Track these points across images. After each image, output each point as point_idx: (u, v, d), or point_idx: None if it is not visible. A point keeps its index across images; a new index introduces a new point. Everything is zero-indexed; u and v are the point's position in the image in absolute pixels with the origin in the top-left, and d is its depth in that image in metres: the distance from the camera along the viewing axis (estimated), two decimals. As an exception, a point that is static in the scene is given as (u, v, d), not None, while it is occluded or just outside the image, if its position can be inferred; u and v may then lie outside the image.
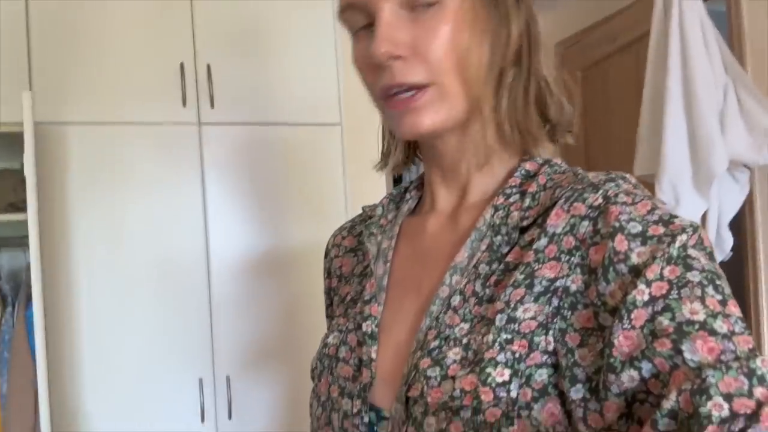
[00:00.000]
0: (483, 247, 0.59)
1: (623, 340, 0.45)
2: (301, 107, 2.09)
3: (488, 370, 0.50)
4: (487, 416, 0.49)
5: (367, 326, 0.63)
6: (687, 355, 0.43)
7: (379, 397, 0.59)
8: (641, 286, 0.46)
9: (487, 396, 0.49)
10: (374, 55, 0.55)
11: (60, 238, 1.83)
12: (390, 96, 0.58)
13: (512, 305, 0.52)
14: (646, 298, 0.46)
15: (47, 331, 1.80)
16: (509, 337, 0.51)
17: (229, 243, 2.00)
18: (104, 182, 1.88)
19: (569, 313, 0.50)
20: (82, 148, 1.86)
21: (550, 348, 0.50)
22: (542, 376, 0.49)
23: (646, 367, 0.44)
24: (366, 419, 0.59)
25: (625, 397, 0.45)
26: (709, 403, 0.39)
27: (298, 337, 2.01)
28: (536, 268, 0.53)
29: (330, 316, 0.79)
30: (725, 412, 0.38)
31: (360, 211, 0.79)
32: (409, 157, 0.72)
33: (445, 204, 0.67)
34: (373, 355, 0.61)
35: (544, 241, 0.54)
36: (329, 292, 0.79)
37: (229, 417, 1.96)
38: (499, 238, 0.58)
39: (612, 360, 0.45)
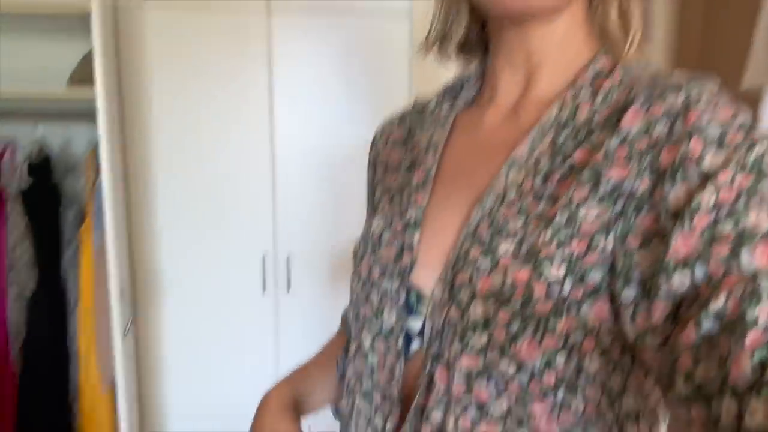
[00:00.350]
0: (546, 143, 0.56)
1: (680, 243, 0.45)
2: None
3: (544, 265, 0.50)
4: (537, 309, 0.50)
5: (412, 213, 0.62)
6: (744, 261, 0.42)
7: (421, 280, 0.59)
8: (709, 191, 0.45)
9: (540, 290, 0.49)
10: None
11: (138, 114, 2.00)
12: None
13: (574, 204, 0.51)
14: (711, 203, 0.45)
15: (129, 198, 2.03)
16: (568, 235, 0.50)
17: (294, 130, 2.08)
18: (178, 66, 1.99)
19: (633, 215, 0.49)
20: (159, 32, 1.96)
21: (608, 249, 0.49)
22: (596, 276, 0.49)
23: (699, 270, 0.44)
24: (404, 298, 0.60)
25: (673, 299, 0.45)
26: (758, 309, 0.39)
27: (354, 224, 2.09)
28: (604, 168, 0.51)
29: (372, 207, 0.79)
30: None
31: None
32: (468, 42, 0.67)
33: (507, 97, 0.63)
34: (415, 241, 0.61)
35: (615, 141, 0.52)
36: (372, 183, 0.78)
37: (287, 290, 2.13)
38: (564, 135, 0.56)
39: (665, 262, 0.45)
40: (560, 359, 0.50)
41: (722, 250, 0.43)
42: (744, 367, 0.37)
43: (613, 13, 0.58)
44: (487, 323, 0.52)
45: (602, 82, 0.57)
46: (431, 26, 0.68)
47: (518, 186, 0.56)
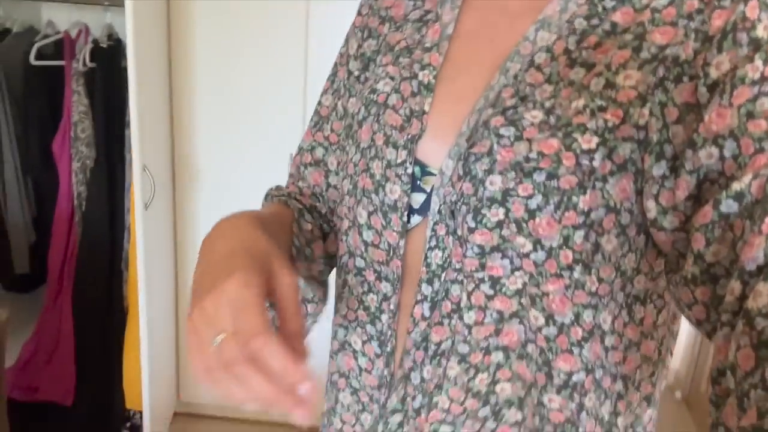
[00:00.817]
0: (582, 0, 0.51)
1: (715, 117, 0.41)
2: None
3: (575, 135, 0.47)
4: (561, 182, 0.47)
5: (424, 76, 0.57)
6: None
7: (428, 151, 0.55)
8: (757, 62, 0.41)
9: (568, 161, 0.47)
10: None
11: (188, 17, 2.11)
12: None
13: (613, 69, 0.47)
14: (757, 76, 0.41)
15: (172, 90, 2.15)
16: (603, 104, 0.47)
17: (328, 33, 2.09)
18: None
19: (673, 85, 0.45)
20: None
21: (642, 122, 0.46)
22: (625, 150, 0.46)
23: (729, 146, 0.40)
24: (410, 170, 0.55)
25: (697, 175, 0.42)
26: None
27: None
28: (649, 30, 0.47)
29: (343, 65, 0.70)
30: None
31: None
32: None
33: None
34: (426, 108, 0.55)
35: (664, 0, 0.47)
36: (363, 31, 0.68)
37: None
38: None
39: (695, 135, 0.42)
40: (578, 237, 0.48)
41: (758, 127, 0.39)
42: (757, 250, 0.35)
43: None
44: (504, 198, 0.49)
45: None
46: None
47: (548, 48, 0.50)
